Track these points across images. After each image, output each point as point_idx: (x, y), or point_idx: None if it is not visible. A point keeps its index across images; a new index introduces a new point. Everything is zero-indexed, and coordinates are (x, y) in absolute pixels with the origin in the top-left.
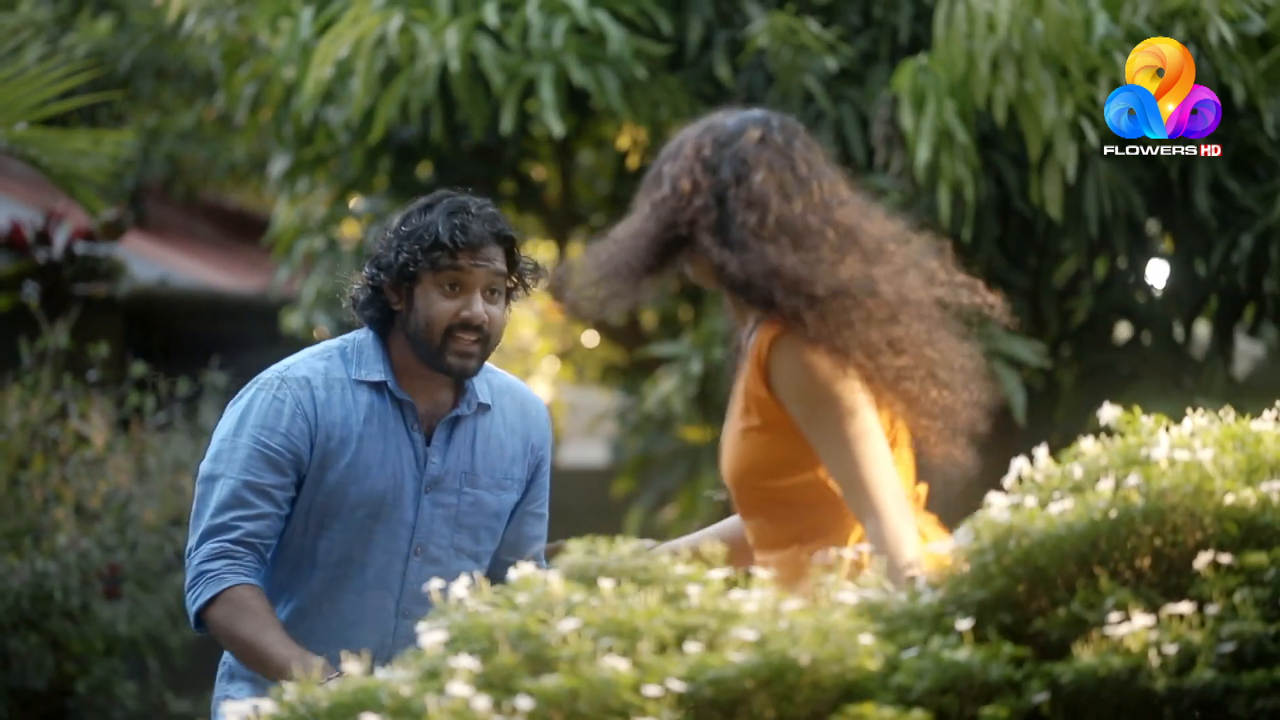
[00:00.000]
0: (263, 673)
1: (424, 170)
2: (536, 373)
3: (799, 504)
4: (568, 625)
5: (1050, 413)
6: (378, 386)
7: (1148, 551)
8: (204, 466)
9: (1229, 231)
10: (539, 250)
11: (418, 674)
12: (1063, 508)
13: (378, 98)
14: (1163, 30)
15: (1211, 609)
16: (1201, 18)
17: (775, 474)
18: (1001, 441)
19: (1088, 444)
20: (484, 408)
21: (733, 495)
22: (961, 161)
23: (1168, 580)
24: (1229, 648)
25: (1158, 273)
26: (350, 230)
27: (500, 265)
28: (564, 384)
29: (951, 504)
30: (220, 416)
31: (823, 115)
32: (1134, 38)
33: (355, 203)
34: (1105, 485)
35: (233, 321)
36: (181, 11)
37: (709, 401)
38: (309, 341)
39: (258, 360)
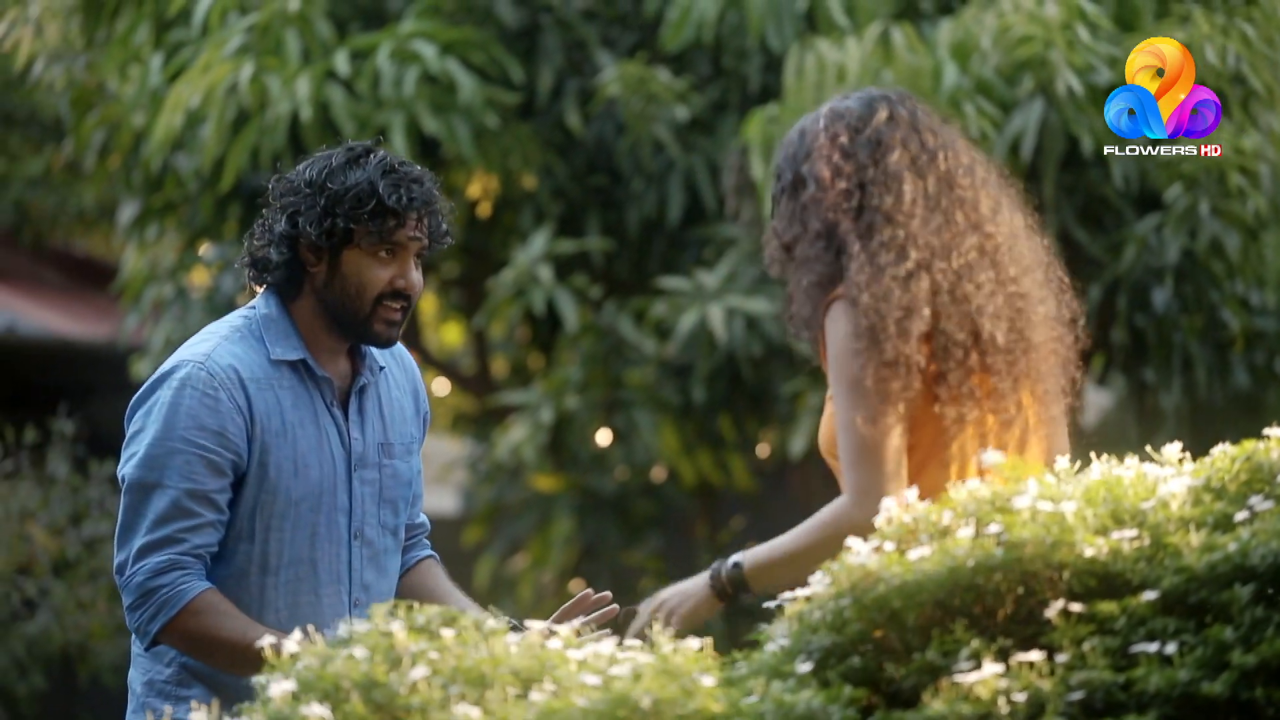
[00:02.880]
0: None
1: None
2: None
3: None
4: (417, 673)
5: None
6: (295, 365)
7: (1005, 601)
8: (132, 472)
9: (1077, 282)
10: None
11: None
12: (922, 554)
13: (229, 146)
14: (1010, 82)
15: (1062, 657)
16: (1050, 69)
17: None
18: None
19: (957, 490)
20: (381, 370)
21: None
22: None
23: (1024, 630)
24: (1078, 696)
25: None
26: (200, 278)
27: (427, 230)
28: None
29: None
30: (130, 421)
31: (673, 164)
32: (983, 89)
33: (205, 250)
34: (965, 533)
35: (81, 369)
36: (30, 58)
37: (560, 450)
38: None
39: (106, 408)
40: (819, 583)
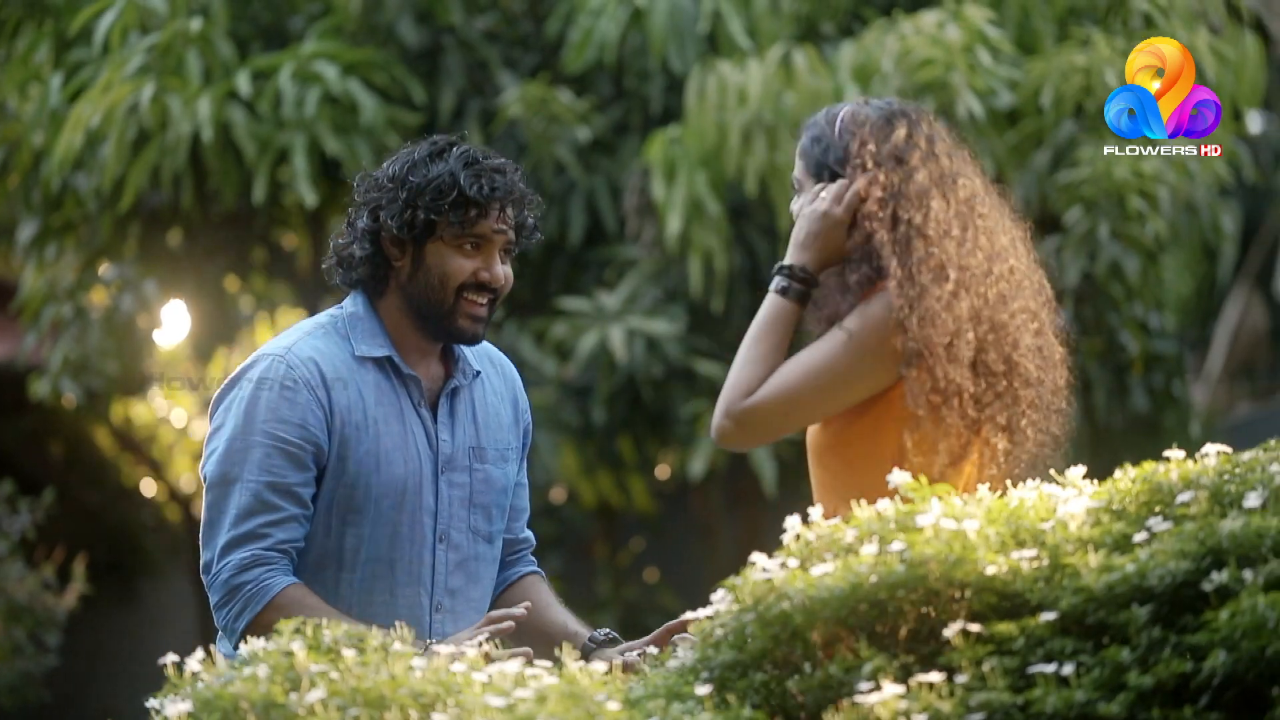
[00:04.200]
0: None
1: (174, 238)
2: None
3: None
4: (314, 695)
5: (799, 484)
6: (381, 362)
7: (907, 618)
8: (213, 469)
9: None
10: (290, 319)
11: None
12: (825, 570)
13: (129, 165)
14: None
15: (961, 677)
16: (951, 92)
17: (846, 444)
18: (751, 512)
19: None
20: (476, 375)
21: (811, 470)
22: (712, 232)
23: (925, 648)
24: (977, 717)
25: None
26: (99, 297)
27: (513, 223)
28: None
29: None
30: (211, 418)
31: (574, 185)
32: None
33: (104, 270)
34: (869, 550)
35: None
36: None
37: None
38: (56, 409)
39: (6, 426)
40: (721, 600)
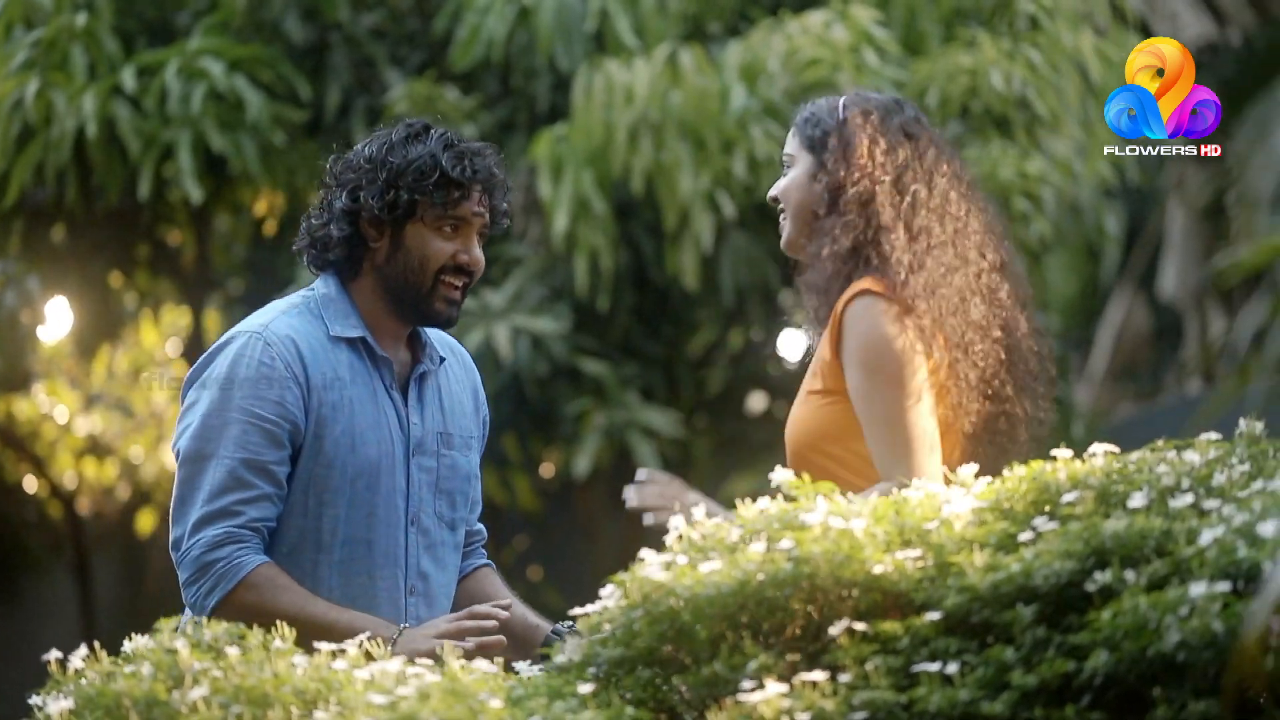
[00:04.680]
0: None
1: (58, 234)
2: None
3: (850, 474)
4: (197, 693)
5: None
6: (354, 343)
7: (794, 616)
8: (187, 445)
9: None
10: (174, 316)
11: None
12: (713, 568)
13: (13, 161)
14: (798, 105)
15: (846, 676)
16: (837, 92)
17: (833, 439)
18: (635, 511)
19: (746, 508)
20: (442, 361)
21: (790, 464)
22: (598, 230)
23: (811, 646)
24: (861, 716)
25: (791, 344)
26: None
27: (489, 206)
28: None
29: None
30: (185, 395)
31: None
32: (771, 111)
33: None
34: (757, 548)
35: None
36: None
37: None
38: None
39: None
40: (609, 595)
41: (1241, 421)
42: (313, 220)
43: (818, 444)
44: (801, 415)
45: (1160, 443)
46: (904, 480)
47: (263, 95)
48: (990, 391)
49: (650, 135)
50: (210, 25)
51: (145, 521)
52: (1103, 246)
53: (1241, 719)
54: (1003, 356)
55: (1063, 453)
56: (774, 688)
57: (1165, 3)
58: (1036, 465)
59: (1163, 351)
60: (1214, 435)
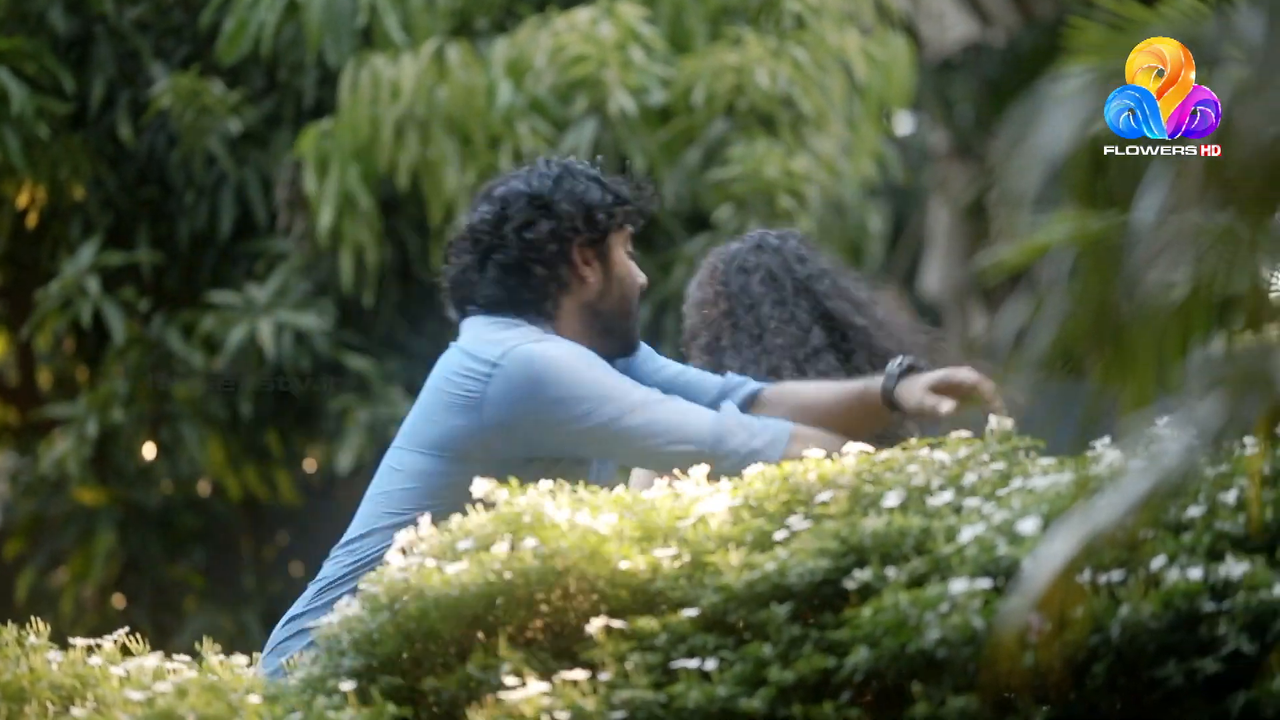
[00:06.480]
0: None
1: None
2: None
3: None
4: None
5: None
6: None
7: (544, 615)
8: (609, 411)
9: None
10: None
11: None
12: (460, 568)
13: None
14: (564, 101)
15: (605, 675)
16: (603, 89)
17: None
18: None
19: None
20: None
21: None
22: (364, 226)
23: (561, 643)
24: (620, 715)
25: None
26: None
27: None
28: None
29: None
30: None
31: (225, 177)
32: (537, 107)
33: None
34: (501, 548)
35: None
36: None
37: (105, 463)
38: None
39: None
40: (344, 607)
41: (991, 419)
42: (471, 272)
43: None
44: None
45: (913, 440)
46: None
47: (26, 88)
48: None
49: (416, 131)
50: None
51: None
52: (866, 245)
53: (999, 715)
54: None
55: (813, 453)
56: (534, 686)
57: (931, 3)
58: (787, 465)
59: None
60: (964, 433)
